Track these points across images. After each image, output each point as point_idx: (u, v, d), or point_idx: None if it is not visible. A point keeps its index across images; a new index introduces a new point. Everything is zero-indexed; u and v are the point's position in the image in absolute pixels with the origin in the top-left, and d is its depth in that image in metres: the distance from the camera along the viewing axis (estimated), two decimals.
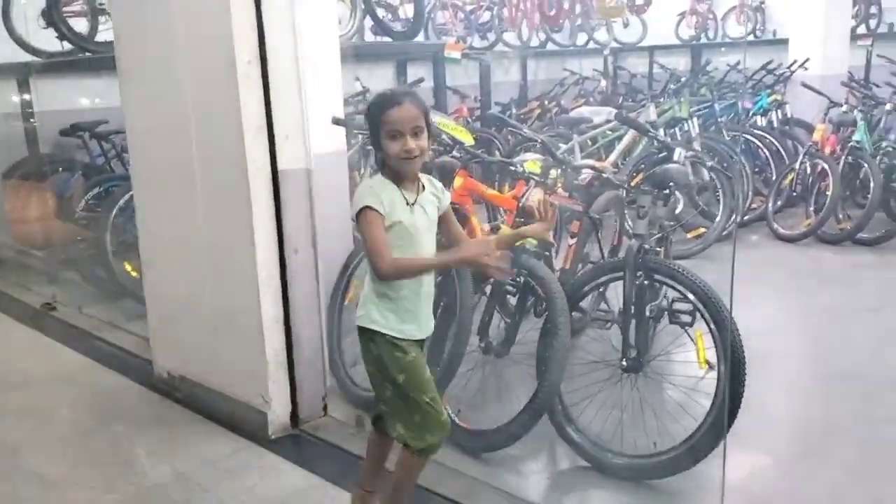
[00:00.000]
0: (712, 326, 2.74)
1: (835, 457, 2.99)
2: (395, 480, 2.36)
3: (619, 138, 6.02)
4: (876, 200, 5.69)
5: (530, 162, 3.64)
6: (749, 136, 6.94)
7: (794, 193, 6.31)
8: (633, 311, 2.98)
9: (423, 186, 2.26)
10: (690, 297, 2.81)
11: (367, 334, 2.25)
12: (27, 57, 6.08)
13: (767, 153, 6.80)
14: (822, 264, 5.49)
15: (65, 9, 5.91)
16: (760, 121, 7.27)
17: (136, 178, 3.75)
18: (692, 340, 3.06)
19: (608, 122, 6.09)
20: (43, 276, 5.84)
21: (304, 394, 3.32)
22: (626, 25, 9.89)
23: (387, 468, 2.52)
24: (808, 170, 6.18)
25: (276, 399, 3.23)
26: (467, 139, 3.99)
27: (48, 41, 6.02)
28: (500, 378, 3.32)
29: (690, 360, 3.23)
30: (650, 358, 3.10)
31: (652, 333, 3.27)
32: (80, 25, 6.02)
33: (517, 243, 3.02)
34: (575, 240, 3.80)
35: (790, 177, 6.32)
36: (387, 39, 6.79)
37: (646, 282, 2.97)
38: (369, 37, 7.17)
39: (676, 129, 6.46)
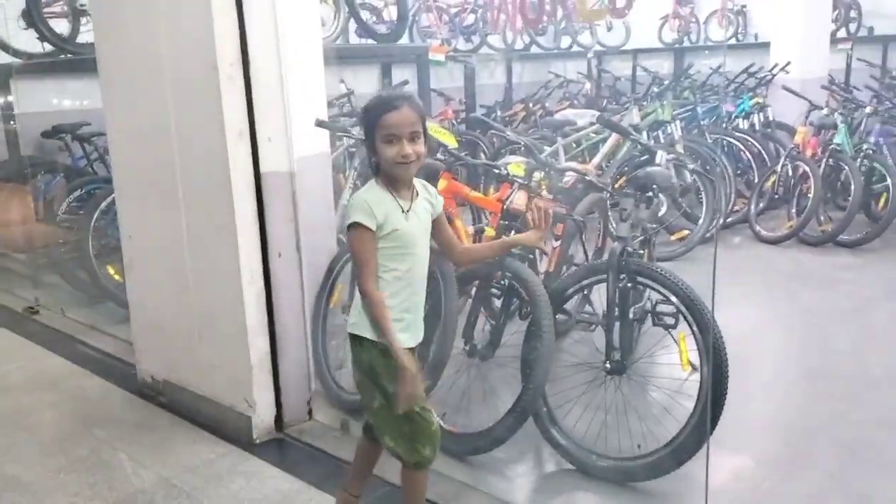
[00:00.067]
0: (695, 328, 2.76)
1: (817, 458, 3.01)
2: (408, 502, 2.32)
3: (603, 141, 6.05)
4: (856, 203, 5.76)
5: (514, 164, 3.65)
6: (731, 139, 7.01)
7: (776, 196, 6.38)
8: (616, 313, 3.00)
9: (417, 192, 2.23)
10: (673, 299, 2.83)
11: (358, 342, 2.21)
12: (7, 58, 6.04)
13: (749, 156, 6.87)
14: (804, 266, 5.54)
15: (45, 10, 5.88)
16: (743, 123, 7.34)
17: (118, 180, 3.72)
18: (676, 342, 3.08)
19: (592, 124, 6.12)
20: (25, 280, 5.79)
21: (289, 398, 3.30)
22: (609, 29, 9.94)
23: (375, 474, 2.52)
24: (790, 172, 6.25)
25: (261, 403, 3.22)
26: (451, 142, 4.00)
27: (29, 42, 5.98)
28: (485, 381, 3.33)
29: (674, 362, 3.25)
30: (634, 360, 3.12)
31: (636, 335, 3.30)
32: (62, 27, 5.98)
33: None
34: (559, 242, 3.82)
35: (772, 179, 6.39)
36: (371, 42, 6.79)
37: (629, 284, 2.99)
38: (354, 39, 7.17)
39: (660, 131, 6.51)
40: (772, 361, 4.00)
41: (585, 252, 4.10)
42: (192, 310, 3.38)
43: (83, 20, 5.95)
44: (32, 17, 5.70)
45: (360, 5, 7.06)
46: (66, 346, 4.44)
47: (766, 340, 4.29)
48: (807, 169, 6.05)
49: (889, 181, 5.79)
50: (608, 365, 2.98)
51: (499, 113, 8.77)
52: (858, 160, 6.04)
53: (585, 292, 3.33)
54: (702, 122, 7.06)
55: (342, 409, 3.39)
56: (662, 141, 6.34)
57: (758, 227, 6.18)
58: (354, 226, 2.11)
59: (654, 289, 2.93)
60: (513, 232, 3.54)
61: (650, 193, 3.25)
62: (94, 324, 4.77)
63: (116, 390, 3.81)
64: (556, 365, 3.10)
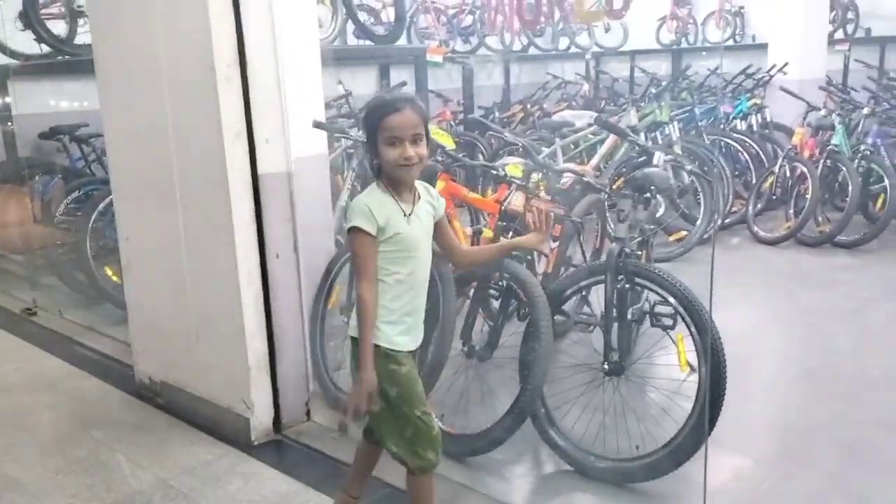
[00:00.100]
0: (693, 329, 2.76)
1: (816, 458, 3.02)
2: None
3: (601, 142, 6.05)
4: (854, 203, 5.77)
5: (511, 166, 3.65)
6: (729, 140, 7.02)
7: (774, 197, 6.38)
8: (614, 314, 3.00)
9: (419, 195, 2.21)
10: (671, 300, 2.83)
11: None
12: (5, 59, 6.03)
13: (747, 157, 6.87)
14: (802, 267, 5.55)
15: (43, 11, 5.88)
16: (740, 124, 7.34)
17: (115, 182, 3.72)
18: (674, 343, 3.08)
19: (590, 125, 6.13)
20: (23, 281, 5.78)
21: (287, 399, 3.30)
22: (607, 30, 9.95)
23: (374, 476, 2.52)
24: (788, 173, 6.26)
25: (259, 404, 3.21)
26: (448, 143, 3.99)
27: (26, 44, 5.97)
28: (484, 382, 3.32)
29: (672, 363, 3.25)
30: (632, 361, 3.12)
31: (634, 336, 3.30)
32: (59, 28, 5.98)
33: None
34: (557, 243, 3.82)
35: (770, 180, 6.39)
36: (369, 43, 6.79)
37: (627, 285, 2.99)
38: (352, 40, 7.17)
39: (657, 132, 6.51)
40: (770, 362, 4.01)
41: (584, 253, 4.10)
42: (189, 311, 3.38)
43: (80, 21, 5.95)
44: (30, 18, 5.70)
45: (358, 7, 7.06)
46: (63, 348, 4.43)
47: (764, 341, 4.29)
48: (804, 170, 6.05)
49: (886, 182, 5.80)
50: (606, 366, 2.98)
51: (497, 114, 8.77)
52: (856, 161, 6.04)
53: (584, 293, 3.32)
54: (699, 124, 7.07)
55: (340, 410, 3.39)
56: (660, 142, 6.34)
57: (756, 228, 6.19)
58: (354, 230, 2.10)
59: (651, 290, 2.93)
60: (511, 233, 3.55)
61: (648, 194, 3.25)
62: (91, 325, 4.76)
63: (114, 391, 3.80)
64: (554, 366, 3.10)
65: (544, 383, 2.93)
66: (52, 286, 5.45)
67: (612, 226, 4.03)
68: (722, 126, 7.31)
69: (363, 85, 7.96)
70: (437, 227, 2.28)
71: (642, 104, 6.92)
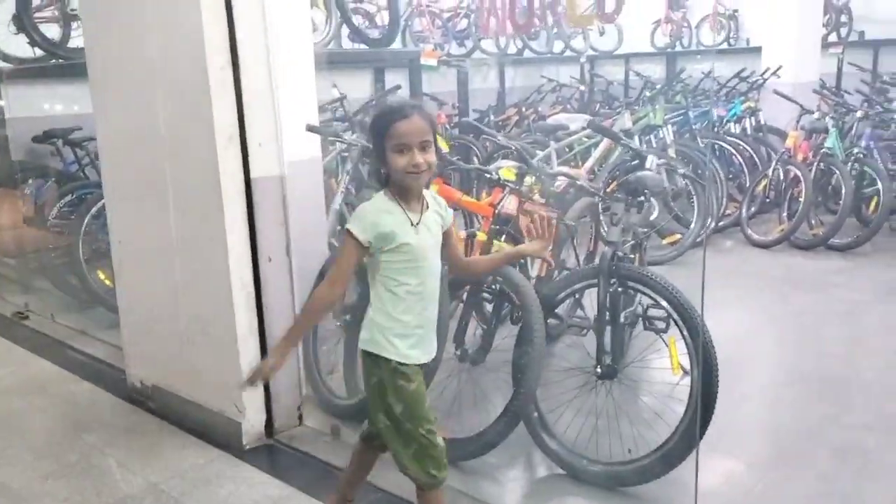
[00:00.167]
0: (685, 332, 2.76)
1: (808, 462, 3.01)
2: None
3: (596, 145, 6.06)
4: (847, 206, 5.78)
5: (505, 169, 3.66)
6: (723, 143, 7.02)
7: (768, 199, 6.40)
8: (607, 317, 3.00)
9: (427, 204, 2.17)
10: (663, 303, 2.83)
11: (371, 358, 2.17)
12: None
13: (741, 160, 6.88)
14: (795, 269, 5.56)
15: (36, 14, 5.86)
16: (734, 128, 7.36)
17: (108, 185, 3.71)
18: (667, 346, 3.08)
19: (584, 129, 6.13)
20: (15, 285, 5.77)
21: (280, 403, 3.29)
22: (602, 34, 9.96)
23: (367, 481, 2.52)
24: (781, 176, 6.27)
25: (251, 408, 3.20)
26: (443, 146, 3.99)
27: (19, 47, 5.95)
28: (477, 385, 3.32)
29: (666, 366, 3.24)
30: (625, 365, 3.12)
31: (627, 340, 3.30)
32: (52, 31, 5.96)
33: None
34: (551, 247, 3.81)
35: (763, 183, 6.41)
36: (364, 46, 6.80)
37: (620, 289, 2.99)
38: (347, 44, 7.17)
39: (652, 136, 6.52)
40: (763, 365, 4.01)
41: (577, 256, 4.10)
42: (181, 315, 3.37)
43: (74, 25, 5.94)
44: (23, 21, 5.68)
45: (353, 10, 7.06)
46: (55, 351, 4.42)
47: (757, 344, 4.30)
48: (798, 173, 6.07)
49: (879, 185, 5.82)
50: (599, 369, 2.98)
51: (492, 117, 8.78)
52: (849, 164, 6.06)
53: (577, 296, 3.32)
54: (694, 127, 7.08)
55: (333, 414, 3.38)
56: (654, 145, 6.35)
57: (749, 231, 6.20)
58: (348, 232, 2.09)
59: (644, 293, 2.93)
60: (504, 237, 3.55)
61: (641, 198, 3.25)
62: (83, 329, 4.75)
63: (106, 395, 3.79)
64: (547, 369, 3.10)
65: (537, 387, 2.93)
66: (44, 290, 5.43)
67: (605, 229, 4.02)
68: (716, 129, 7.33)
69: (358, 88, 7.95)
70: (443, 237, 2.23)
71: (636, 107, 6.93)
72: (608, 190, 5.17)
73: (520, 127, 8.42)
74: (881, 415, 3.36)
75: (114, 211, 3.69)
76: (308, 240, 3.43)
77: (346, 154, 4.78)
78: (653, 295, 2.87)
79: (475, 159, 7.16)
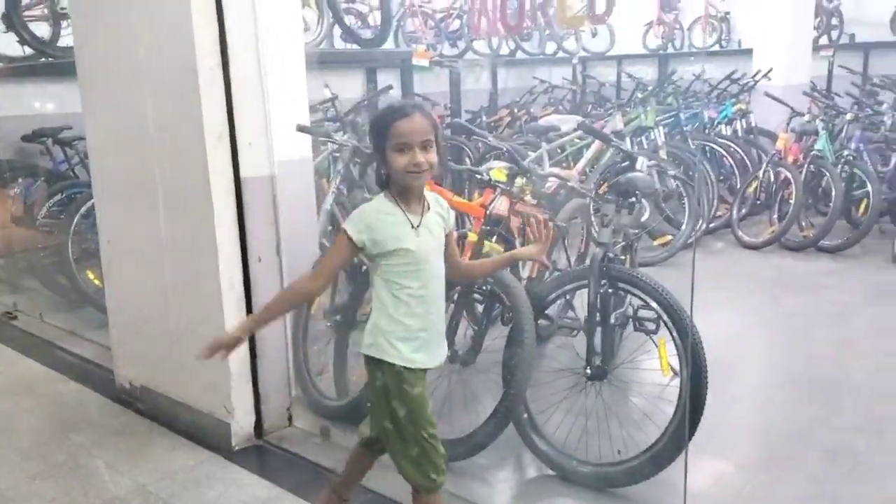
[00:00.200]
0: (674, 333, 2.76)
1: (797, 463, 3.02)
2: None
3: (587, 146, 6.06)
4: (837, 208, 5.81)
5: (496, 170, 3.65)
6: (714, 145, 7.05)
7: (758, 201, 6.42)
8: (598, 318, 3.00)
9: (429, 205, 2.13)
10: (653, 304, 2.83)
11: (375, 363, 2.13)
12: None
13: (732, 161, 6.91)
14: (785, 271, 5.58)
15: (25, 13, 5.83)
16: (725, 129, 7.38)
17: (97, 185, 3.69)
18: (657, 347, 3.08)
19: (576, 130, 6.13)
20: (4, 285, 5.73)
21: (269, 404, 3.28)
22: (594, 35, 9.98)
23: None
24: (772, 178, 6.29)
25: (240, 409, 3.19)
26: None
27: (9, 46, 5.92)
28: (467, 386, 3.31)
29: (656, 367, 3.24)
30: (615, 366, 3.12)
31: (618, 341, 3.30)
32: (42, 30, 5.93)
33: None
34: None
35: (754, 185, 6.43)
36: (356, 46, 6.78)
37: (610, 290, 2.99)
38: (339, 44, 7.15)
39: (643, 137, 6.53)
40: (754, 366, 4.02)
41: (568, 257, 4.10)
42: (170, 315, 3.35)
43: (64, 24, 5.91)
44: (12, 20, 5.66)
45: (346, 10, 7.04)
46: (44, 352, 4.39)
47: (748, 345, 4.31)
48: (788, 175, 6.09)
49: (869, 187, 5.84)
50: (589, 370, 2.97)
51: (484, 118, 8.78)
52: (839, 166, 6.08)
53: (568, 297, 3.32)
54: (685, 128, 7.10)
55: (322, 415, 3.37)
56: (646, 147, 6.36)
57: (740, 233, 6.22)
58: (343, 229, 2.07)
59: (634, 294, 2.93)
60: (494, 238, 3.55)
61: (632, 199, 3.26)
62: (73, 329, 4.72)
63: (94, 396, 3.77)
64: (537, 370, 3.10)
65: (527, 388, 2.92)
66: (33, 289, 5.41)
67: (596, 230, 4.03)
68: (707, 131, 7.35)
69: (350, 89, 7.94)
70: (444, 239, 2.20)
71: (628, 109, 6.94)
72: (600, 191, 5.17)
73: (512, 128, 8.42)
74: (871, 417, 3.37)
75: (103, 210, 3.67)
76: (298, 240, 3.42)
77: (337, 154, 4.76)
78: (643, 296, 2.87)
79: (467, 160, 7.15)
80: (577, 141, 6.31)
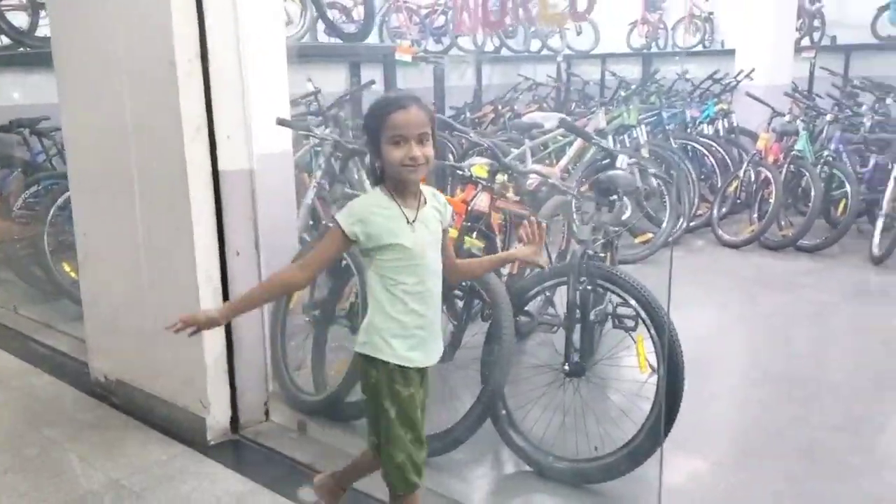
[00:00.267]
0: (652, 331, 2.76)
1: (774, 461, 3.03)
2: None
3: (570, 144, 6.06)
4: (816, 208, 5.85)
5: (477, 166, 3.65)
6: (696, 144, 7.08)
7: (739, 200, 6.46)
8: (577, 315, 3.00)
9: (425, 200, 2.08)
10: (632, 301, 2.83)
11: (368, 361, 2.09)
12: None
13: (713, 161, 6.95)
14: (765, 270, 5.61)
15: (3, 3, 5.76)
16: (707, 129, 7.42)
17: (73, 176, 3.64)
18: (636, 344, 3.09)
19: (559, 127, 6.13)
20: None
21: (245, 399, 3.25)
22: (578, 33, 9.99)
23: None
24: (752, 177, 6.33)
25: (216, 404, 3.16)
26: None
27: None
28: (445, 383, 3.29)
29: (634, 364, 3.25)
30: (593, 362, 3.12)
31: (597, 338, 3.30)
32: (20, 20, 5.86)
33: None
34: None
35: (735, 184, 6.46)
36: (339, 41, 6.75)
37: (589, 287, 2.99)
38: (323, 38, 7.11)
39: (626, 135, 6.55)
40: (732, 364, 4.04)
41: (549, 254, 4.10)
42: (146, 308, 3.31)
43: (42, 13, 5.83)
44: None
45: (329, 4, 7.01)
46: (17, 344, 4.34)
47: (726, 344, 4.33)
48: (769, 174, 6.13)
49: (848, 188, 5.89)
50: (567, 367, 2.97)
51: (468, 114, 8.76)
52: (819, 167, 6.13)
53: (548, 294, 3.32)
54: (667, 127, 7.12)
55: (300, 410, 3.35)
56: (628, 145, 6.37)
57: (720, 231, 6.25)
58: (335, 221, 2.03)
59: (613, 291, 2.93)
60: (475, 234, 3.54)
61: (613, 197, 3.26)
62: (47, 321, 4.66)
63: (68, 389, 3.72)
64: (516, 366, 3.09)
65: (505, 384, 2.92)
66: (7, 281, 5.32)
67: (577, 227, 4.03)
68: (689, 130, 7.38)
69: (333, 83, 7.89)
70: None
71: (611, 107, 6.95)
72: (582, 189, 5.17)
73: (495, 125, 8.41)
74: (849, 416, 3.39)
75: (79, 202, 3.62)
76: (277, 234, 3.39)
77: (319, 149, 4.73)
78: (621, 293, 2.87)
79: (450, 156, 7.14)
80: (560, 138, 6.31)
